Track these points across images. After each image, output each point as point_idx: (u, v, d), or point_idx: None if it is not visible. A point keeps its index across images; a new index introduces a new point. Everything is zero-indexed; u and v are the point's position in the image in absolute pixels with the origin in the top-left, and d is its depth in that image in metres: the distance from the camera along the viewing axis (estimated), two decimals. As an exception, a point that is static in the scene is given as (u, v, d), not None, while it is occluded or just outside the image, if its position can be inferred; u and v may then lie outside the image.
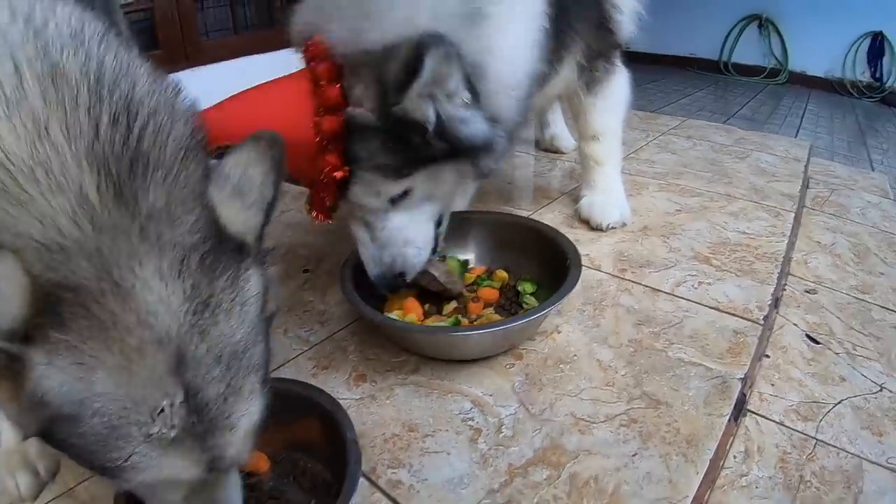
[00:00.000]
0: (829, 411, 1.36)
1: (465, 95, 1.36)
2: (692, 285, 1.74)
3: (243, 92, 1.39)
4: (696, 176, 2.51)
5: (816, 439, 1.28)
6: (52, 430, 0.75)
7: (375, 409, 1.39)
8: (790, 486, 1.18)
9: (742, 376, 1.40)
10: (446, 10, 1.37)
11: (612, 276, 1.81)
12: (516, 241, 1.80)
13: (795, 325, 1.65)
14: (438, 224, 1.65)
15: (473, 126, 1.39)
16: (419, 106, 1.31)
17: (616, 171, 2.16)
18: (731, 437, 1.30)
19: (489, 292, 1.69)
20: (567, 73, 1.91)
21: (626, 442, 1.27)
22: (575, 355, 1.52)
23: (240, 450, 0.84)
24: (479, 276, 1.78)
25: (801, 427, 1.30)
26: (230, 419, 0.80)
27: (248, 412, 0.83)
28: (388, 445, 1.31)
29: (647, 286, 1.74)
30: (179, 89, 0.89)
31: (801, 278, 1.88)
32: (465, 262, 1.82)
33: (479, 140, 1.41)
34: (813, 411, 1.36)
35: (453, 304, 1.67)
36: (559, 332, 1.61)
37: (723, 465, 1.22)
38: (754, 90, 5.63)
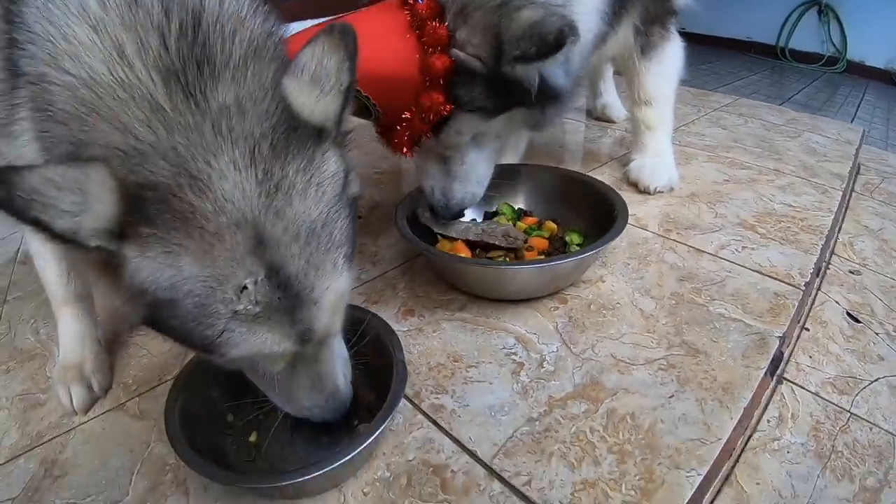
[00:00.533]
0: (865, 387, 1.37)
1: (562, 57, 1.40)
2: (735, 249, 1.77)
3: (330, 19, 1.44)
4: (746, 150, 2.51)
5: (851, 413, 1.30)
6: (153, 315, 0.84)
7: (422, 340, 1.45)
8: (821, 454, 1.20)
9: (780, 335, 1.42)
10: None
11: (658, 235, 1.84)
12: (565, 194, 1.86)
13: (837, 302, 1.66)
14: None
15: (560, 80, 1.47)
16: (527, 73, 1.38)
17: (667, 136, 2.19)
18: (766, 391, 1.33)
19: (539, 241, 1.74)
20: (624, 33, 1.95)
21: (664, 384, 1.31)
22: (618, 303, 1.57)
23: (328, 322, 0.92)
24: (529, 227, 1.83)
25: (836, 400, 1.31)
26: (314, 293, 0.87)
27: (333, 286, 0.89)
28: (433, 373, 1.38)
29: (691, 246, 1.77)
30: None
31: (847, 259, 1.88)
32: (519, 210, 1.89)
33: (559, 91, 1.48)
34: (849, 386, 1.37)
35: (498, 253, 1.72)
36: (603, 282, 1.66)
37: (756, 426, 1.25)
38: (810, 77, 5.51)
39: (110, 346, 1.69)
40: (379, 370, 1.26)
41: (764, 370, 1.33)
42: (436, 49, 1.39)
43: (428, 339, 1.44)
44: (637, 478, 1.12)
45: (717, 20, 5.71)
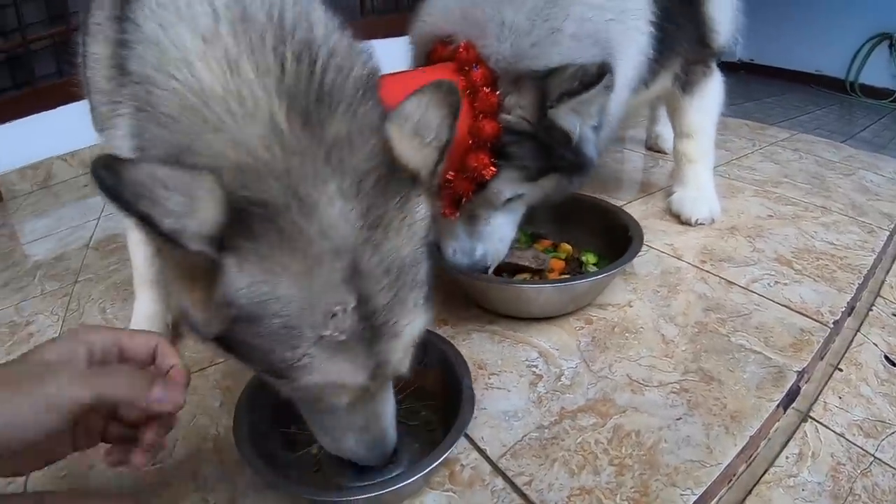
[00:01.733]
0: (893, 433, 1.35)
1: (597, 121, 1.52)
2: (768, 283, 1.80)
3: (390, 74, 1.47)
4: (795, 186, 2.51)
5: (875, 457, 1.29)
6: (233, 329, 0.84)
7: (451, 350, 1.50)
8: (838, 495, 1.20)
9: (799, 370, 1.45)
10: (593, 52, 1.52)
11: (692, 265, 1.89)
12: (578, 217, 1.95)
13: (875, 344, 1.65)
14: None
15: (592, 147, 1.57)
16: (568, 117, 1.47)
17: (708, 169, 2.24)
18: (778, 423, 1.37)
19: (556, 263, 1.83)
20: (662, 82, 2.03)
21: (674, 407, 1.36)
22: (641, 327, 1.63)
23: (401, 358, 0.94)
24: (545, 249, 1.92)
25: (861, 442, 1.31)
26: (395, 326, 0.88)
27: (413, 323, 0.91)
28: (458, 379, 1.45)
29: (723, 278, 1.81)
30: (353, 35, 0.99)
31: (892, 301, 1.87)
32: (532, 235, 2.00)
33: (591, 160, 1.58)
34: (876, 429, 1.36)
35: (525, 275, 1.81)
36: (631, 307, 1.72)
37: (774, 461, 1.27)
38: (879, 113, 5.31)
39: (175, 328, 1.81)
40: (445, 392, 1.36)
41: (777, 403, 1.36)
42: (486, 115, 1.47)
43: (457, 346, 1.48)
44: (632, 490, 1.17)
45: (785, 52, 5.56)
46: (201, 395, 1.54)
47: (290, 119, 0.83)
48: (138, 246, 1.70)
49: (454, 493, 1.22)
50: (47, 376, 0.83)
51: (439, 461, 1.13)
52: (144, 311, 1.74)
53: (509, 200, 1.64)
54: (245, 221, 0.78)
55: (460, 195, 1.59)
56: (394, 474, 1.19)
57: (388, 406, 1.09)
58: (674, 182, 2.31)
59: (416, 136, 0.91)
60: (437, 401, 1.39)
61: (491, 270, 1.75)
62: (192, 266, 0.81)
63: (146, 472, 1.30)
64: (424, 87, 0.93)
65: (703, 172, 2.23)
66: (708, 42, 2.01)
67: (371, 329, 0.85)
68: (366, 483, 1.16)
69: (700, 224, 2.15)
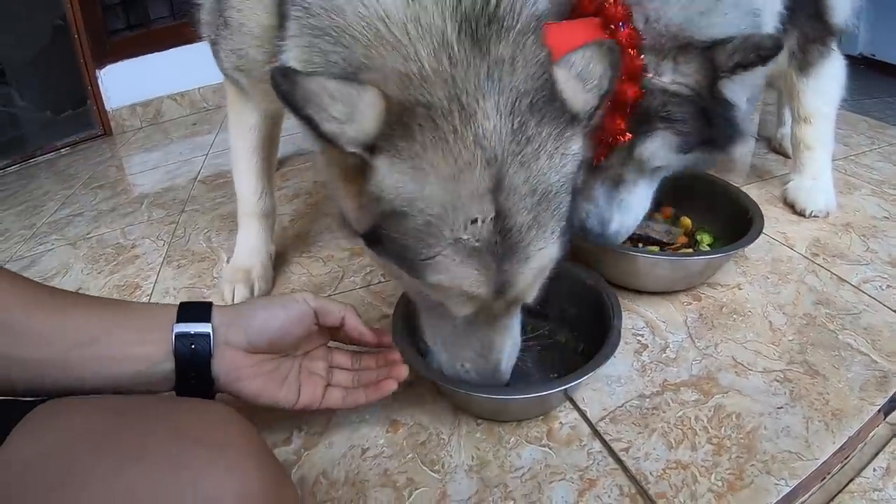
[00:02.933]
0: None
1: (751, 93, 1.48)
2: (880, 286, 1.73)
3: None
4: (915, 193, 2.43)
5: None
6: (380, 225, 0.92)
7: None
8: None
9: None
10: (747, 22, 1.48)
11: (804, 256, 1.83)
12: (696, 193, 1.89)
13: None
14: None
15: (746, 120, 1.54)
16: (734, 89, 1.43)
17: (827, 157, 2.13)
18: (876, 429, 1.30)
19: (679, 238, 1.80)
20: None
21: (776, 395, 1.33)
22: (750, 311, 1.59)
23: (527, 284, 0.99)
24: (666, 219, 1.90)
25: None
26: (528, 249, 0.92)
27: (545, 250, 0.95)
28: (566, 340, 1.45)
29: (834, 274, 1.75)
30: None
31: None
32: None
33: (742, 133, 1.54)
34: None
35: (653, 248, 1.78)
36: (740, 289, 1.68)
37: (861, 472, 1.22)
38: None
39: (276, 262, 1.86)
40: (594, 328, 1.39)
41: (878, 407, 1.32)
42: (630, 78, 1.42)
43: None
44: (728, 472, 1.15)
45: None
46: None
47: (460, 37, 0.87)
48: (246, 179, 1.75)
49: (550, 449, 1.22)
50: (288, 298, 1.12)
51: (582, 379, 1.21)
52: (249, 242, 1.79)
53: (657, 170, 1.60)
54: (405, 123, 0.85)
55: (592, 157, 1.52)
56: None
57: (506, 337, 1.12)
58: (791, 169, 2.21)
59: (580, 80, 0.96)
60: (588, 335, 1.42)
61: (619, 241, 1.71)
62: (347, 167, 0.90)
63: None
64: (588, 44, 0.98)
65: (821, 161, 2.12)
66: (824, 16, 1.89)
67: (504, 245, 0.89)
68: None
69: (814, 217, 2.06)
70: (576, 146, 0.95)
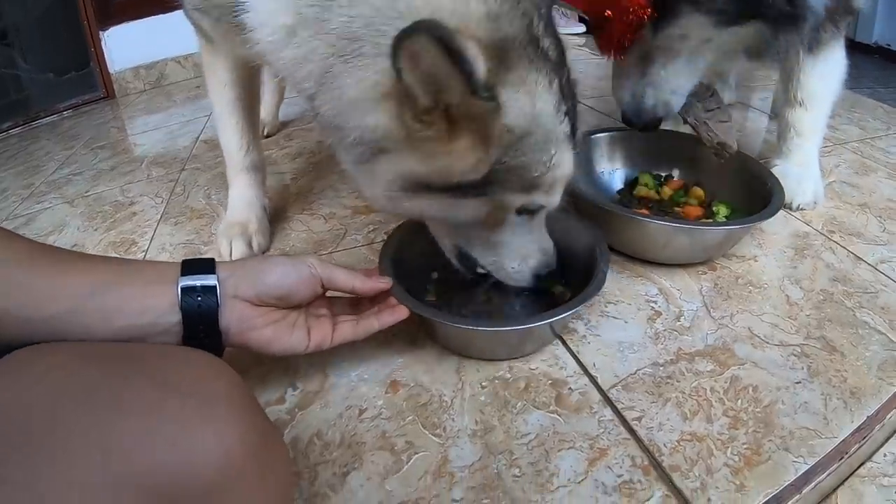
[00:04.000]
0: None
1: None
2: None
3: None
4: (929, 178, 2.39)
5: None
6: (503, 159, 1.01)
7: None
8: None
9: None
10: None
11: (820, 233, 1.79)
12: (714, 163, 1.80)
13: None
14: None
15: None
16: None
17: (815, 148, 2.00)
18: (891, 409, 1.26)
19: (693, 210, 1.74)
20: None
21: (794, 370, 1.29)
22: (766, 284, 1.55)
23: (571, 171, 1.15)
24: (675, 191, 1.83)
25: None
26: (578, 132, 1.12)
27: (579, 132, 1.13)
28: (574, 300, 1.40)
29: (851, 252, 1.71)
30: None
31: None
32: (660, 177, 1.89)
33: (806, 9, 1.43)
34: None
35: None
36: (756, 261, 1.64)
37: (872, 456, 1.20)
38: None
39: (275, 219, 1.82)
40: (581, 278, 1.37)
41: None
42: None
43: None
44: (745, 446, 1.11)
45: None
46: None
47: None
48: (231, 135, 1.73)
49: (559, 416, 1.17)
50: (298, 261, 1.13)
51: (562, 316, 1.23)
52: (240, 196, 1.76)
53: (696, 47, 1.52)
54: (502, 57, 0.94)
55: (620, 39, 1.48)
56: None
57: (546, 234, 1.30)
58: (775, 154, 2.08)
59: None
60: (576, 283, 1.40)
61: (668, 118, 1.68)
62: (461, 117, 0.95)
63: (239, 350, 1.30)
64: None
65: (810, 149, 2.00)
66: None
67: (572, 131, 1.08)
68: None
69: (801, 209, 1.94)
70: None
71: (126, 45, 3.75)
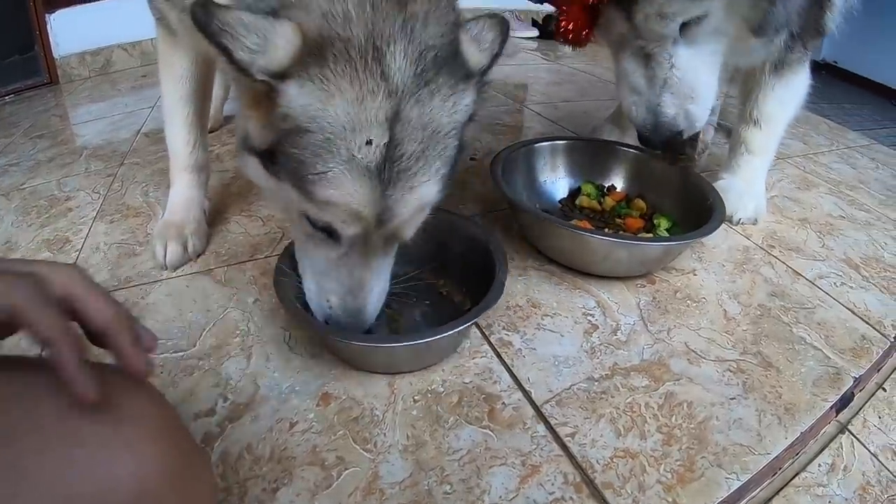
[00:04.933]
0: None
1: None
2: (834, 282, 1.72)
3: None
4: (870, 194, 2.42)
5: None
6: (281, 141, 0.99)
7: (507, 281, 1.43)
8: None
9: (856, 376, 1.39)
10: None
11: (760, 247, 1.81)
12: (654, 175, 1.82)
13: None
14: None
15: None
16: None
17: (764, 166, 2.01)
18: (827, 427, 1.30)
19: (635, 222, 1.74)
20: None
21: (729, 385, 1.30)
22: (704, 298, 1.56)
23: (407, 218, 1.06)
24: (618, 203, 1.83)
25: (893, 468, 1.26)
26: (413, 179, 1.01)
27: (428, 184, 1.04)
28: (509, 312, 1.42)
29: (790, 267, 1.73)
30: None
31: None
32: (602, 187, 1.90)
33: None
34: None
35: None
36: (695, 275, 1.65)
37: (806, 467, 1.22)
38: None
39: (213, 220, 1.79)
40: (480, 282, 1.36)
41: (830, 404, 1.30)
42: None
43: (512, 281, 1.47)
44: (678, 463, 1.12)
45: (871, 62, 5.34)
46: (236, 289, 1.51)
47: None
48: (178, 131, 1.70)
49: (492, 431, 1.16)
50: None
51: (455, 331, 1.20)
52: (180, 195, 1.73)
53: (687, 28, 1.37)
54: (321, 53, 0.93)
55: (579, 28, 1.37)
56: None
57: (377, 277, 1.18)
58: (722, 167, 2.09)
59: (475, 43, 1.09)
60: (476, 292, 1.37)
61: (686, 135, 1.54)
62: (256, 92, 0.98)
63: (167, 359, 1.27)
64: (481, 15, 1.13)
65: (759, 168, 2.01)
66: (823, 13, 1.75)
67: (393, 170, 0.98)
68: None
69: (741, 223, 1.95)
70: (468, 99, 1.07)
71: (72, 30, 3.64)
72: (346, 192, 0.99)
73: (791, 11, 1.47)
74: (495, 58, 1.11)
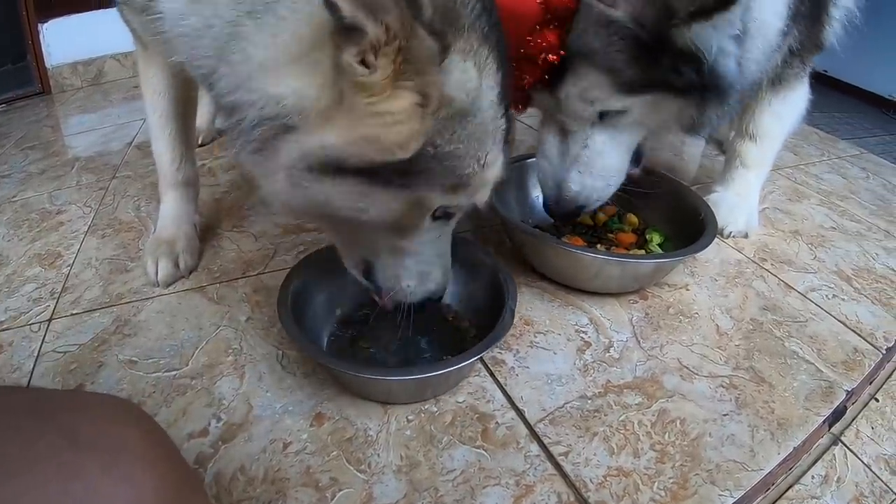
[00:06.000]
0: None
1: (739, 27, 1.23)
2: (826, 295, 1.72)
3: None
4: (861, 205, 2.42)
5: None
6: (435, 142, 0.91)
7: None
8: None
9: (849, 389, 1.39)
10: None
11: (752, 260, 1.81)
12: (647, 190, 1.79)
13: None
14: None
15: (730, 62, 1.29)
16: (704, 36, 1.20)
17: (759, 180, 2.01)
18: (820, 440, 1.30)
19: (627, 237, 1.74)
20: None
21: (721, 401, 1.30)
22: (696, 313, 1.56)
23: (502, 175, 1.06)
24: (610, 218, 1.83)
25: (886, 478, 1.25)
26: (511, 137, 1.04)
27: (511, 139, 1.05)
28: (502, 330, 1.39)
29: (782, 280, 1.73)
30: None
31: None
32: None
33: (727, 80, 1.31)
34: None
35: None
36: (688, 290, 1.65)
37: (800, 479, 1.22)
38: None
39: (205, 236, 1.78)
40: (487, 312, 1.35)
41: (823, 418, 1.30)
42: None
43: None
44: (671, 480, 1.12)
45: (862, 71, 5.34)
46: (228, 307, 1.51)
47: None
48: (164, 148, 1.68)
49: (485, 451, 1.16)
50: None
51: (468, 362, 1.19)
52: (170, 212, 1.72)
53: (607, 116, 1.40)
54: (451, 20, 0.86)
55: (525, 83, 1.35)
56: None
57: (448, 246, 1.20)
58: (716, 180, 2.10)
59: None
60: (481, 317, 1.38)
61: (588, 210, 1.57)
62: (400, 67, 0.83)
63: (159, 378, 1.28)
64: None
65: (753, 182, 2.00)
66: (821, 28, 1.74)
67: (507, 131, 1.00)
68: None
69: (732, 236, 1.94)
70: None
71: (65, 40, 3.64)
72: (500, 168, 1.01)
73: (732, 110, 1.49)
74: None
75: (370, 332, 1.39)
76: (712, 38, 1.20)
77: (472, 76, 0.89)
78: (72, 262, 1.74)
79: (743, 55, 1.33)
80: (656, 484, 1.11)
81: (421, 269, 1.16)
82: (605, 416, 1.24)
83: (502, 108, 0.96)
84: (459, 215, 1.13)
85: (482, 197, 1.06)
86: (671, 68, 1.26)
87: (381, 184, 0.93)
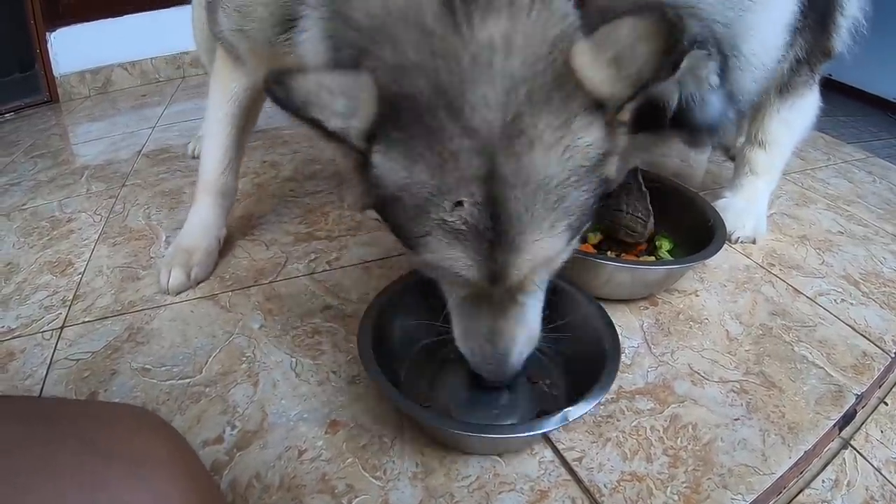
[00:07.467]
0: None
1: (714, 80, 1.17)
2: (834, 299, 1.72)
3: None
4: (868, 209, 2.42)
5: None
6: (381, 205, 0.94)
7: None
8: None
9: (859, 393, 1.39)
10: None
11: (760, 266, 1.81)
12: (655, 198, 1.78)
13: None
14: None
15: (710, 108, 1.22)
16: (664, 90, 1.14)
17: (768, 189, 2.02)
18: (831, 444, 1.30)
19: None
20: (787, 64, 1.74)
21: (733, 406, 1.30)
22: (706, 319, 1.56)
23: (523, 275, 0.96)
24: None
25: None
26: (521, 239, 0.89)
27: (540, 242, 0.91)
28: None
29: (790, 285, 1.74)
30: None
31: None
32: None
33: (709, 122, 1.25)
34: None
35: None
36: (697, 296, 1.66)
37: (811, 483, 1.21)
38: None
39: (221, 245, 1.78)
40: (586, 361, 1.27)
41: (833, 422, 1.31)
42: None
43: None
44: (684, 485, 1.12)
45: (867, 74, 5.32)
46: (241, 315, 1.52)
47: (441, 21, 0.83)
48: (216, 150, 1.68)
49: (500, 457, 1.17)
50: None
51: (551, 428, 1.15)
52: (199, 218, 1.71)
53: None
54: (395, 115, 0.84)
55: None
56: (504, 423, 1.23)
57: (515, 325, 1.08)
58: (726, 187, 2.10)
59: (614, 65, 0.82)
60: (575, 365, 1.32)
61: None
62: (357, 160, 0.91)
63: (173, 386, 1.29)
64: (643, 13, 0.79)
65: (761, 188, 2.02)
66: (829, 35, 1.74)
67: (495, 232, 0.87)
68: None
69: (739, 241, 1.95)
70: (590, 137, 0.87)
71: (73, 48, 3.66)
72: (443, 256, 0.92)
73: (733, 127, 1.41)
74: (645, 86, 0.82)
75: (449, 374, 1.34)
76: (675, 93, 1.14)
77: (397, 168, 0.89)
78: (83, 270, 1.75)
79: (734, 87, 1.28)
80: (669, 489, 1.12)
81: (465, 334, 1.12)
82: (617, 421, 1.25)
83: (468, 205, 0.88)
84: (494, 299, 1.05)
85: (456, 288, 1.07)
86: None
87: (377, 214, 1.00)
